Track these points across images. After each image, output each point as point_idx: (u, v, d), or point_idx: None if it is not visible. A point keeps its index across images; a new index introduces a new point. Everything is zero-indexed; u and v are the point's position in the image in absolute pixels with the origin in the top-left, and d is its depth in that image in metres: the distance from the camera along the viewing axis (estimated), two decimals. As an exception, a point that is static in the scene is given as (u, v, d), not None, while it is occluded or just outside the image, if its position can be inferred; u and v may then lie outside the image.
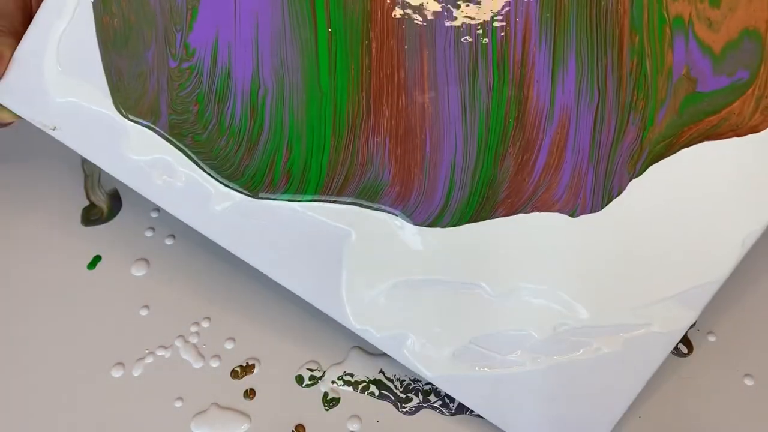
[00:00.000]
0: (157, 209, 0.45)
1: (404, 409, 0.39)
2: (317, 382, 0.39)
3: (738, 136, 0.35)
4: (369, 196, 0.36)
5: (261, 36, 0.35)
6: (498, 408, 0.37)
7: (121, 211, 0.45)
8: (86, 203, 0.46)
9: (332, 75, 0.35)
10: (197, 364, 0.40)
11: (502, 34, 0.35)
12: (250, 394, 0.39)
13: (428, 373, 0.37)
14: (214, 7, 0.36)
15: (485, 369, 0.37)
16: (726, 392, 0.38)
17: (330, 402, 0.39)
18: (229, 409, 0.39)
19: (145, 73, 0.36)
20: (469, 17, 0.35)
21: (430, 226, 0.37)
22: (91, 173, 0.47)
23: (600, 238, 0.36)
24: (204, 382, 0.39)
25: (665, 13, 0.34)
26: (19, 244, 0.44)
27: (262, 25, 0.35)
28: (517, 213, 0.36)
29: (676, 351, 0.39)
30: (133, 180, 0.37)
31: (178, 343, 0.41)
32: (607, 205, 0.36)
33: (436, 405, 0.39)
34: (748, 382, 0.38)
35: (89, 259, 0.43)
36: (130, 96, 0.37)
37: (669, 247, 0.36)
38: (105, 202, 0.46)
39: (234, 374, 0.40)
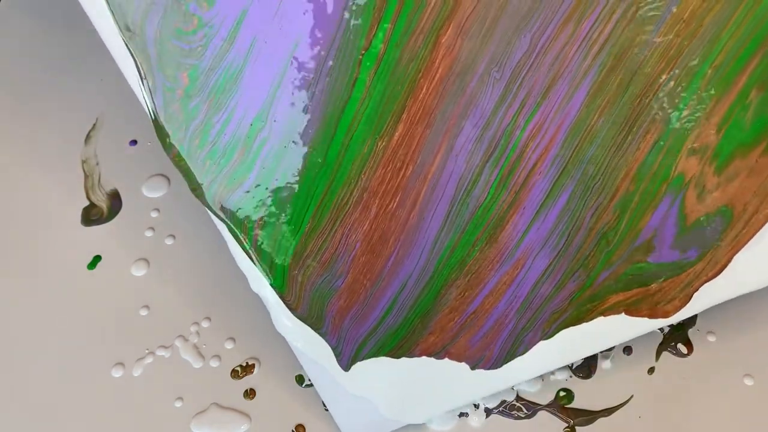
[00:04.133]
0: (158, 209, 0.45)
1: (404, 409, 0.39)
2: (317, 382, 0.39)
3: (650, 317, 0.34)
4: (317, 315, 0.34)
5: (295, 60, 0.30)
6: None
7: (121, 211, 0.45)
8: (86, 203, 0.46)
9: (344, 147, 0.31)
10: (197, 364, 0.40)
11: (525, 142, 0.31)
12: (250, 394, 0.39)
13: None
14: None
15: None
16: (726, 392, 0.38)
17: (330, 402, 0.39)
18: (229, 409, 0.39)
19: None
20: (506, 106, 0.31)
21: (350, 363, 0.35)
22: (91, 173, 0.47)
23: (483, 391, 0.36)
24: (204, 382, 0.39)
25: (673, 168, 0.32)
26: (19, 244, 0.44)
27: (303, 46, 0.30)
28: (431, 356, 0.35)
29: (675, 351, 0.39)
30: None
31: (178, 343, 0.41)
32: (506, 363, 0.35)
33: (436, 405, 0.39)
34: (748, 382, 0.38)
35: (89, 259, 0.43)
36: None
37: None
38: (105, 202, 0.46)
39: (234, 374, 0.40)
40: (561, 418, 0.38)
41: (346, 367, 0.35)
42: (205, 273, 0.43)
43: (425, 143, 0.31)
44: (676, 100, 0.31)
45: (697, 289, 0.34)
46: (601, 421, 0.38)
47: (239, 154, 0.31)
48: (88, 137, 0.48)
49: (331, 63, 0.30)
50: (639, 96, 0.31)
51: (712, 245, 0.33)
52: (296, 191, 0.32)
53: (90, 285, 0.43)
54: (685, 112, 0.31)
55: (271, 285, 0.34)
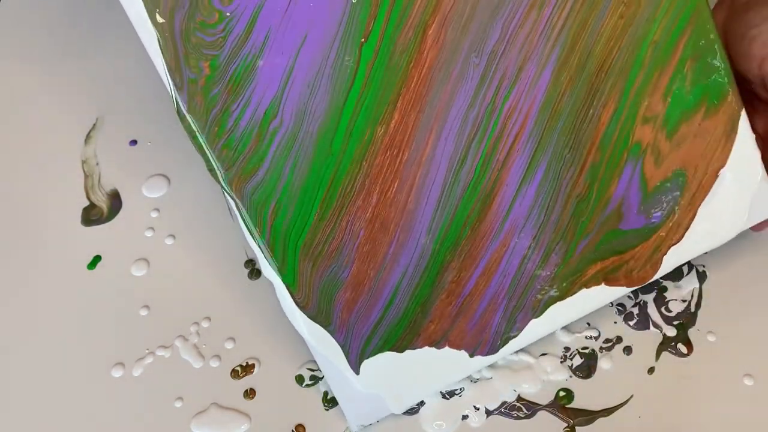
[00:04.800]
0: (158, 209, 0.45)
1: (404, 409, 0.39)
2: (317, 382, 0.39)
3: (628, 285, 0.37)
4: (325, 312, 0.36)
5: (304, 52, 0.33)
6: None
7: (121, 211, 0.45)
8: (86, 203, 0.46)
9: (347, 135, 0.34)
10: (197, 364, 0.40)
11: (504, 121, 0.34)
12: (250, 394, 0.39)
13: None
14: None
15: None
16: (726, 392, 0.38)
17: (330, 402, 0.39)
18: (229, 409, 0.39)
19: None
20: (485, 88, 0.34)
21: (359, 361, 0.36)
22: (91, 173, 0.47)
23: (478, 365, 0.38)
24: (204, 382, 0.39)
25: (631, 136, 0.35)
26: (19, 244, 0.44)
27: (311, 39, 0.32)
28: (432, 346, 0.37)
29: (675, 351, 0.39)
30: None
31: (178, 343, 0.41)
32: (502, 347, 0.37)
33: (436, 405, 0.39)
34: (748, 382, 0.38)
35: (89, 259, 0.43)
36: None
37: None
38: (105, 202, 0.46)
39: (234, 374, 0.40)
40: (561, 418, 0.38)
41: (356, 368, 0.36)
42: (205, 273, 0.43)
43: (419, 128, 0.34)
44: (627, 74, 0.35)
45: (665, 253, 0.37)
46: (601, 421, 0.38)
47: (254, 142, 0.34)
48: (88, 137, 0.48)
49: (334, 55, 0.33)
50: (596, 72, 0.34)
51: (672, 208, 0.36)
52: (306, 179, 0.34)
53: (90, 285, 0.43)
54: (634, 85, 0.35)
55: (283, 281, 0.35)
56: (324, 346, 0.36)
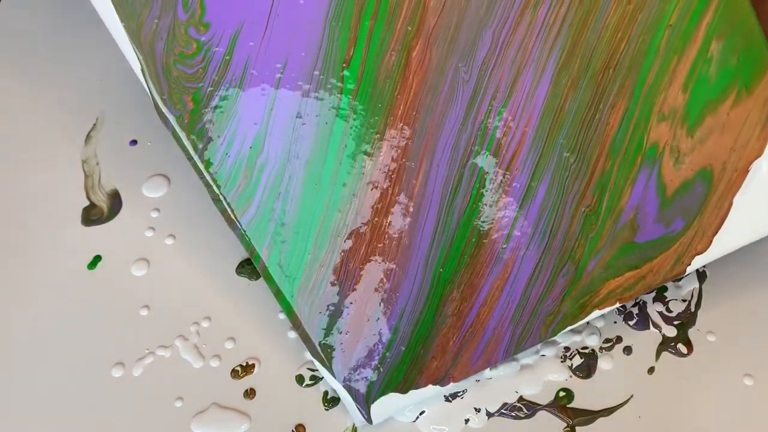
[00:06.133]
0: (158, 209, 0.45)
1: (404, 409, 0.39)
2: (317, 382, 0.39)
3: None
4: (326, 354, 0.34)
5: (285, 81, 0.31)
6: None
7: (121, 211, 0.45)
8: (86, 203, 0.46)
9: (336, 167, 0.32)
10: (197, 364, 0.40)
11: (499, 138, 0.32)
12: (250, 394, 0.39)
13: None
14: None
15: None
16: (726, 392, 0.38)
17: (330, 402, 0.39)
18: (229, 409, 0.39)
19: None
20: (477, 106, 0.32)
21: (368, 407, 0.35)
22: (91, 173, 0.47)
23: None
24: (204, 382, 0.39)
25: (645, 138, 0.32)
26: (19, 244, 0.44)
27: (290, 67, 0.31)
28: (436, 384, 0.35)
29: (675, 351, 0.39)
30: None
31: (178, 343, 0.41)
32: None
33: (436, 405, 0.39)
34: (748, 382, 0.38)
35: (89, 259, 0.43)
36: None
37: None
38: (105, 202, 0.46)
39: (234, 374, 0.40)
40: (561, 418, 0.38)
41: (367, 414, 0.35)
42: (205, 273, 0.43)
43: (408, 158, 0.32)
44: (639, 67, 0.31)
45: (689, 264, 0.33)
46: (601, 421, 0.38)
47: (243, 178, 0.32)
48: (88, 137, 0.48)
49: (315, 84, 0.31)
50: (601, 70, 0.31)
51: (697, 213, 0.33)
52: (296, 218, 0.33)
53: (90, 285, 0.43)
54: (648, 78, 0.31)
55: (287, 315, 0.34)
56: (335, 385, 0.35)
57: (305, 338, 0.35)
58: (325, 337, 0.34)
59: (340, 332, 0.34)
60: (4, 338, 0.41)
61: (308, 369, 0.40)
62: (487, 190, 0.32)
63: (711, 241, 0.33)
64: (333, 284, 0.33)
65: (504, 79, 0.31)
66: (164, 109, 0.32)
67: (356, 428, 0.38)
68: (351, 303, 0.34)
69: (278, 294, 0.34)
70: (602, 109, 0.31)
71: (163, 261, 0.43)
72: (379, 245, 0.33)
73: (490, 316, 0.34)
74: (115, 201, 0.46)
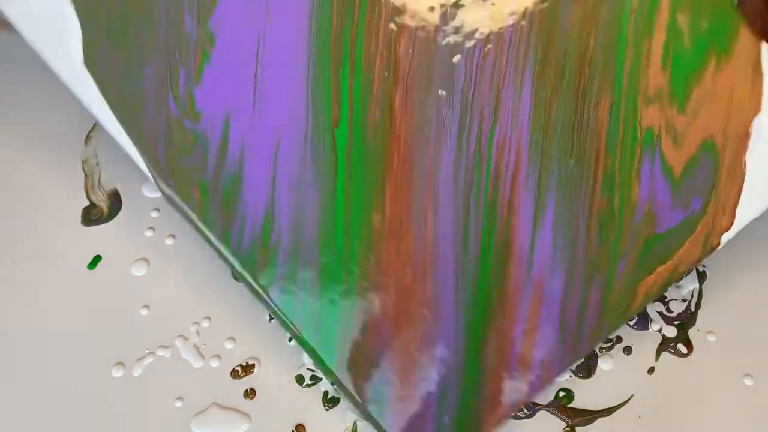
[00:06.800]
0: (158, 209, 0.45)
1: (404, 409, 0.39)
2: (317, 382, 0.39)
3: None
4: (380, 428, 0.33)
5: (282, 153, 0.31)
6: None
7: (121, 211, 0.45)
8: (86, 203, 0.46)
9: (346, 233, 0.32)
10: (197, 364, 0.40)
11: (497, 163, 0.31)
12: (250, 394, 0.39)
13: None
14: (228, 76, 0.31)
15: None
16: (726, 392, 0.38)
17: (330, 402, 0.39)
18: (229, 409, 0.39)
19: (141, 96, 0.32)
20: (466, 136, 0.31)
21: None
22: (91, 173, 0.47)
23: None
24: (204, 382, 0.39)
25: (638, 126, 0.31)
26: (19, 244, 0.44)
27: (285, 137, 0.31)
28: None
29: (675, 351, 0.39)
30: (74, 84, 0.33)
31: (178, 343, 0.41)
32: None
33: (436, 405, 0.39)
34: (748, 382, 0.38)
35: (89, 259, 0.43)
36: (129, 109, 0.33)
37: None
38: (105, 202, 0.46)
39: (234, 374, 0.40)
40: (561, 418, 0.38)
41: None
42: (205, 273, 0.43)
43: (413, 209, 0.32)
44: (613, 59, 0.31)
45: (719, 243, 0.32)
46: (601, 421, 0.38)
47: (261, 259, 0.32)
48: (88, 137, 0.48)
49: (310, 150, 0.32)
50: (578, 71, 0.31)
51: (711, 187, 0.32)
52: (319, 293, 0.32)
53: (90, 285, 0.43)
54: (625, 67, 0.31)
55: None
56: None
57: (356, 404, 0.34)
58: (373, 408, 0.33)
59: (388, 402, 0.33)
60: (3, 338, 0.41)
61: (308, 369, 0.40)
62: (496, 217, 0.32)
63: (734, 214, 0.32)
64: (371, 356, 0.33)
65: (487, 103, 0.31)
66: (177, 204, 0.33)
67: (356, 428, 0.38)
68: (393, 372, 0.33)
69: (320, 364, 0.34)
70: (588, 109, 0.31)
71: (163, 261, 0.43)
72: (407, 302, 0.32)
73: (534, 349, 0.33)
74: (115, 201, 0.46)
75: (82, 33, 0.32)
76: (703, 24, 0.31)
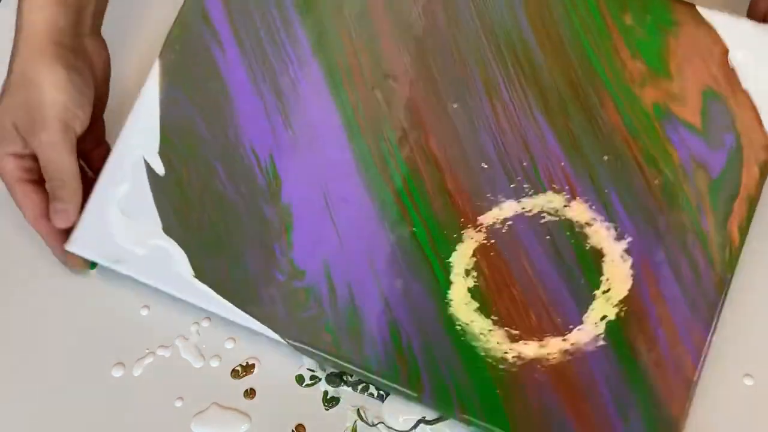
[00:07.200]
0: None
1: (404, 409, 0.39)
2: (317, 382, 0.39)
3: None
4: None
5: (381, 276, 0.36)
6: None
7: (121, 211, 0.45)
8: (86, 203, 0.46)
9: (461, 308, 0.36)
10: (197, 364, 0.40)
11: (548, 185, 0.36)
12: (250, 393, 0.39)
13: None
14: (313, 233, 0.37)
15: None
16: (726, 392, 0.38)
17: (330, 402, 0.39)
18: (229, 408, 0.39)
19: (250, 281, 0.38)
20: (517, 183, 0.36)
21: None
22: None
23: None
24: (204, 381, 0.39)
25: (643, 106, 0.36)
26: (19, 244, 0.44)
27: (378, 262, 0.37)
28: None
29: (676, 351, 0.39)
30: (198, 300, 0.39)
31: (178, 343, 0.41)
32: None
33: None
34: (748, 382, 0.38)
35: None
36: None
37: None
38: (105, 202, 0.46)
39: (234, 374, 0.40)
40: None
41: None
42: (205, 273, 0.43)
43: (513, 269, 0.36)
44: (592, 69, 0.37)
45: (767, 157, 0.36)
46: (601, 421, 0.38)
47: (401, 365, 0.36)
48: (88, 137, 0.48)
49: (399, 257, 0.37)
50: (574, 91, 0.37)
51: (732, 119, 0.36)
52: (461, 375, 0.36)
53: (90, 285, 0.43)
54: (605, 70, 0.37)
55: None
56: None
57: None
58: None
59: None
60: (4, 338, 0.41)
61: (308, 369, 0.40)
62: (578, 235, 0.36)
63: (764, 129, 0.36)
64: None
65: (519, 152, 0.36)
66: (310, 351, 0.37)
67: (356, 428, 0.38)
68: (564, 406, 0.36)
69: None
70: (597, 114, 0.36)
71: (163, 261, 0.43)
72: (538, 335, 0.35)
73: (676, 330, 0.36)
74: (116, 201, 0.46)
75: (187, 254, 0.38)
76: (644, 14, 0.36)
